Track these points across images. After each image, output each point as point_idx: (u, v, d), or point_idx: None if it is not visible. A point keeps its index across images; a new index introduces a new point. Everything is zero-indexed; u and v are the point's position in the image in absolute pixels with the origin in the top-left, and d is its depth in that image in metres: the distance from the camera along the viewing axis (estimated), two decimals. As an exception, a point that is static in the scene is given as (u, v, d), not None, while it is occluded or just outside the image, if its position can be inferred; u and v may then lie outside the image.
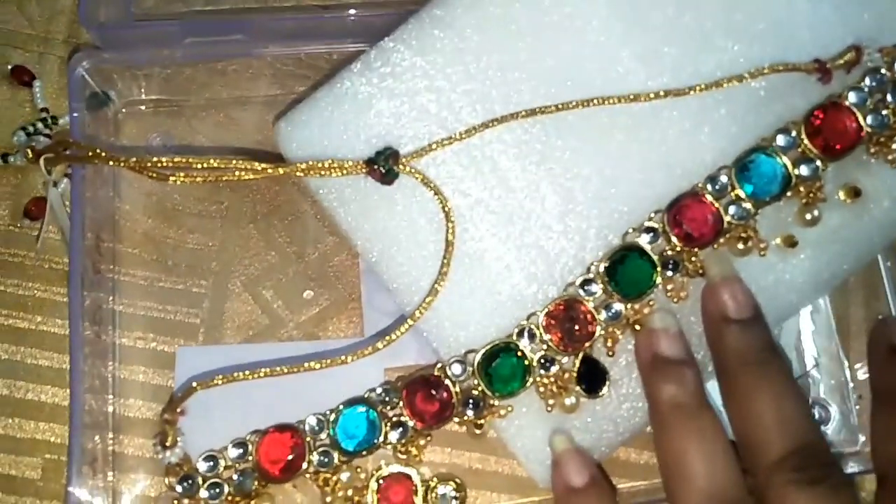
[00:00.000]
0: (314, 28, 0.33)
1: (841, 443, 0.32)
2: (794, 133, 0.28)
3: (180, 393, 0.26)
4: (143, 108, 0.34)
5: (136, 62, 0.32)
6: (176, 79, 0.34)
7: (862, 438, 0.32)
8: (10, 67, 0.34)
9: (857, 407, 0.33)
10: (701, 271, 0.28)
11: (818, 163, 0.28)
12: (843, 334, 0.33)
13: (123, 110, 0.33)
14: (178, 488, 0.27)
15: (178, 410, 0.27)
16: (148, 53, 0.32)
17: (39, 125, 0.32)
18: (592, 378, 0.28)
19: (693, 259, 0.28)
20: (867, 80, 0.28)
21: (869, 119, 0.28)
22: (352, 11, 0.32)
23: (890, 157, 0.28)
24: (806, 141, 0.28)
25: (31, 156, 0.28)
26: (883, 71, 0.28)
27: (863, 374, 0.33)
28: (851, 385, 0.33)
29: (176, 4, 0.35)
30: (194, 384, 0.26)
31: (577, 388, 0.28)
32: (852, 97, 0.28)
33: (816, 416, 0.33)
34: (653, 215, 0.28)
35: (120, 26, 0.32)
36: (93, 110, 0.32)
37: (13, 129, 0.32)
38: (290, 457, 0.27)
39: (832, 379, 0.33)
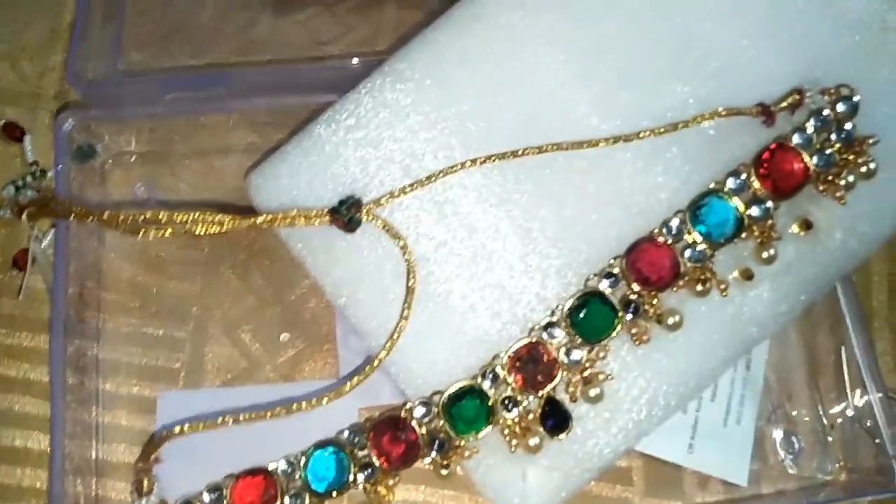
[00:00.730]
0: (290, 81, 0.34)
1: (814, 472, 0.33)
2: (744, 175, 0.28)
3: (152, 442, 0.27)
4: (128, 159, 0.35)
5: (122, 117, 0.34)
6: (160, 130, 0.35)
7: (835, 467, 0.33)
8: (1, 123, 0.36)
9: (830, 438, 0.33)
10: (660, 315, 0.29)
11: (769, 203, 0.28)
12: (811, 364, 0.33)
13: (109, 161, 0.35)
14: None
15: (153, 458, 0.28)
16: (133, 108, 0.34)
17: (28, 179, 0.34)
18: (556, 418, 0.29)
19: (653, 303, 0.29)
20: (811, 121, 0.29)
21: (815, 158, 0.28)
22: (326, 65, 0.33)
23: (838, 194, 0.29)
24: (756, 183, 0.28)
25: (15, 211, 0.29)
26: (826, 111, 0.28)
27: (836, 405, 0.33)
28: (822, 415, 0.33)
29: (160, 59, 0.37)
30: (164, 433, 0.27)
31: (541, 428, 0.29)
32: (797, 138, 0.28)
33: (793, 446, 0.33)
34: (612, 261, 0.29)
35: (105, 84, 0.34)
36: (80, 162, 0.34)
37: (3, 184, 0.34)
38: (262, 500, 0.28)
39: (804, 409, 0.34)
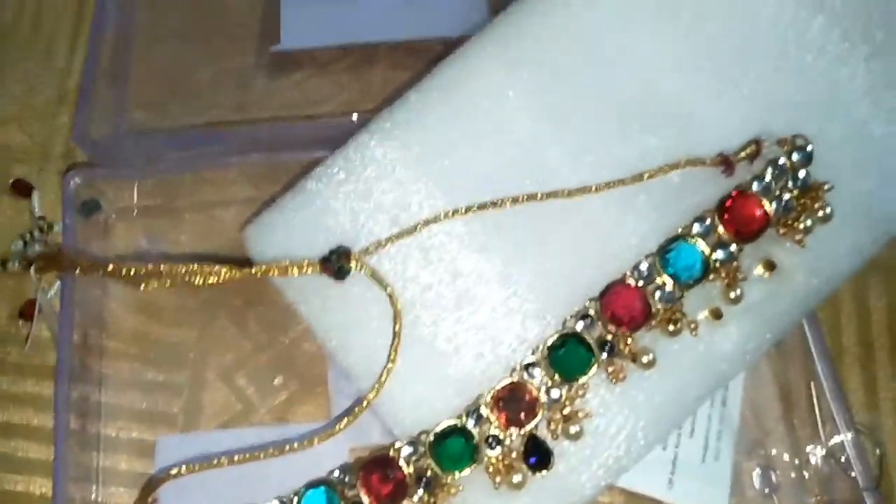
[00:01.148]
0: (285, 138, 0.37)
1: (794, 505, 0.34)
2: (708, 220, 0.30)
3: (150, 484, 0.28)
4: (131, 213, 0.37)
5: (125, 175, 0.36)
6: (161, 186, 0.37)
7: (812, 501, 0.34)
8: (11, 181, 0.38)
9: (806, 473, 0.34)
10: (635, 354, 0.30)
11: (733, 247, 0.30)
12: (785, 401, 0.35)
13: (113, 216, 0.37)
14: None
15: (150, 500, 0.29)
16: (136, 166, 0.36)
17: (36, 233, 0.36)
18: (538, 455, 0.30)
19: (628, 342, 0.30)
20: (769, 170, 0.31)
21: (774, 204, 0.30)
22: (319, 123, 0.36)
23: (797, 238, 0.31)
24: (720, 228, 0.30)
25: (23, 264, 0.31)
26: (782, 160, 0.31)
27: (811, 441, 0.34)
28: (798, 450, 0.34)
29: (162, 118, 0.39)
30: (161, 475, 0.28)
31: (524, 465, 0.30)
32: (756, 186, 0.30)
33: (771, 481, 0.34)
34: (588, 303, 0.31)
35: (110, 144, 0.36)
36: (85, 217, 0.36)
37: (12, 238, 0.36)
38: (256, 543, 0.29)
39: (780, 445, 0.35)
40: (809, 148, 0.31)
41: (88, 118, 0.36)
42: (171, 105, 0.40)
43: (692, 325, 0.30)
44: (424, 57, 0.38)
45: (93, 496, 0.32)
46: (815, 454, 0.33)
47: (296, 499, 0.30)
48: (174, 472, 0.28)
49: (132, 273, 0.29)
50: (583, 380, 0.30)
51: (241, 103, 0.40)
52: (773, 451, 0.34)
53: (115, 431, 0.33)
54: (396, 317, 0.30)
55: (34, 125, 0.39)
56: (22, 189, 0.38)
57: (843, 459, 0.32)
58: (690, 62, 0.32)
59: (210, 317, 0.35)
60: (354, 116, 0.36)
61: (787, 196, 0.30)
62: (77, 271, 0.29)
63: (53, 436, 0.31)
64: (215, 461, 0.29)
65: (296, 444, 0.29)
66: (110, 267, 0.29)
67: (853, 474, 0.32)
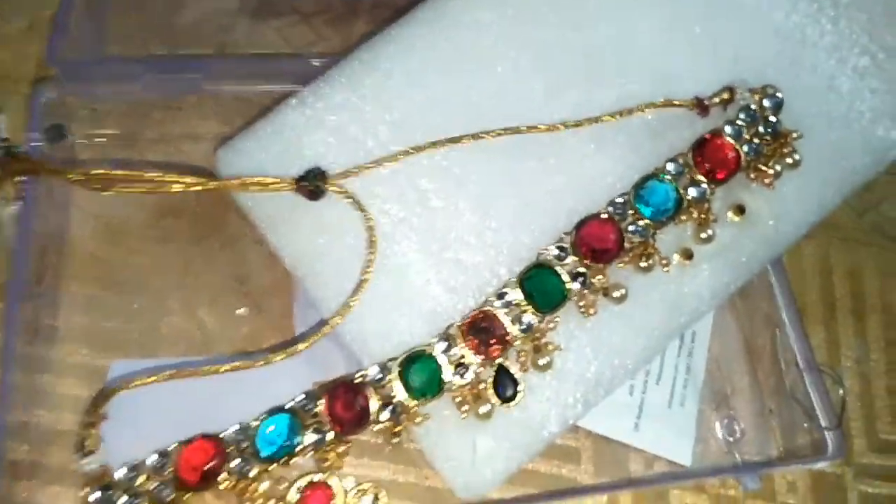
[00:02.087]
0: (262, 71, 0.36)
1: (755, 455, 0.34)
2: (681, 161, 0.31)
3: (101, 394, 0.27)
4: (99, 140, 0.36)
5: (97, 95, 0.35)
6: (132, 115, 0.36)
7: (778, 450, 0.34)
8: (-26, 102, 0.37)
9: (771, 423, 0.34)
10: (607, 288, 0.30)
11: (705, 186, 0.31)
12: (750, 353, 0.35)
13: (81, 142, 0.36)
14: (93, 497, 0.27)
15: (100, 413, 0.27)
16: (108, 88, 0.35)
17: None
18: (506, 385, 0.30)
19: (600, 276, 0.30)
20: (741, 115, 0.31)
21: (745, 148, 0.31)
22: (299, 60, 0.35)
23: (766, 181, 0.31)
24: (693, 168, 0.31)
25: (-18, 172, 0.30)
26: (753, 107, 0.31)
27: (775, 390, 0.35)
28: (762, 400, 0.35)
29: (139, 52, 0.39)
30: (115, 385, 0.27)
31: (492, 396, 0.29)
32: (729, 130, 0.31)
33: (734, 431, 0.34)
34: (563, 236, 0.31)
35: (82, 62, 0.35)
36: (51, 141, 0.35)
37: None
38: (208, 465, 0.28)
39: (745, 395, 0.35)
40: (780, 95, 0.32)
41: (63, 43, 0.35)
42: (149, 42, 0.39)
43: (664, 262, 0.31)
44: (405, 13, 0.38)
45: (37, 419, 0.30)
46: (779, 403, 0.34)
47: (256, 424, 0.29)
48: (132, 381, 0.27)
49: (99, 177, 0.28)
50: (554, 312, 0.30)
51: (221, 44, 0.40)
52: (737, 402, 0.35)
53: (65, 355, 0.32)
54: (371, 238, 0.30)
55: (2, 52, 0.38)
56: (-15, 110, 0.36)
57: (805, 405, 0.32)
58: (668, 15, 0.33)
59: (173, 245, 0.34)
60: (331, 59, 0.35)
61: (757, 141, 0.31)
62: (40, 173, 0.27)
63: (2, 355, 0.30)
64: (172, 374, 0.28)
65: (258, 362, 0.28)
66: (77, 171, 0.28)
67: (813, 417, 0.32)
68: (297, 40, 0.41)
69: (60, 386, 0.32)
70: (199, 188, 0.28)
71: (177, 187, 0.28)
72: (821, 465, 0.30)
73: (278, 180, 0.30)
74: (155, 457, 0.28)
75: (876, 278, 0.38)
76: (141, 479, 0.27)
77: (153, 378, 0.28)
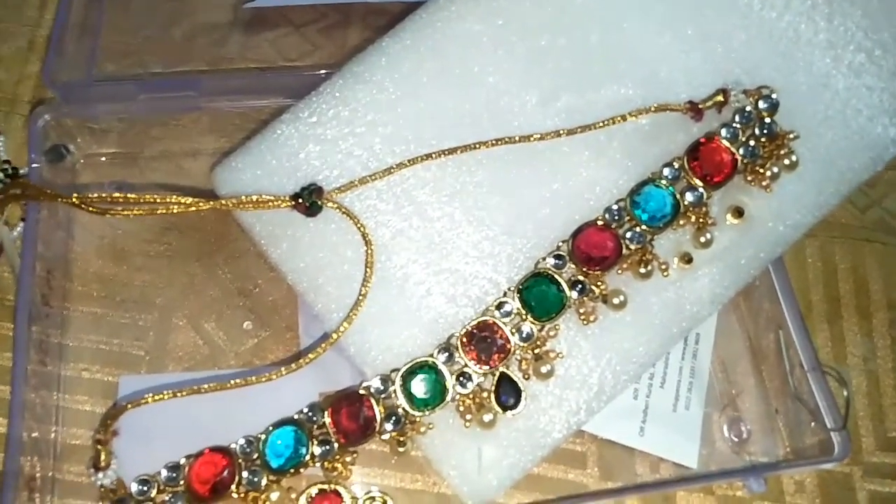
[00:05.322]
0: (257, 86, 0.36)
1: (762, 456, 0.34)
2: (677, 166, 0.31)
3: (112, 411, 0.28)
4: (99, 159, 0.37)
5: (95, 116, 0.35)
6: (131, 133, 0.37)
7: (784, 450, 0.34)
8: (-24, 126, 0.37)
9: (777, 423, 0.34)
10: (606, 295, 0.30)
11: (702, 190, 0.31)
12: (754, 353, 0.35)
13: (81, 161, 0.36)
14: (110, 511, 0.28)
15: (111, 430, 0.28)
16: (106, 107, 0.35)
17: (0, 176, 0.35)
18: (509, 393, 0.30)
19: (599, 283, 0.31)
20: (736, 118, 0.31)
21: (741, 151, 0.31)
22: (294, 73, 0.36)
23: (764, 183, 0.31)
24: (689, 173, 0.31)
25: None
26: (748, 109, 0.31)
27: (780, 390, 0.35)
28: (767, 400, 0.35)
29: (134, 69, 0.39)
30: (125, 403, 0.28)
31: (495, 404, 0.30)
32: (724, 133, 0.31)
33: (741, 432, 0.35)
34: (560, 244, 0.31)
35: (80, 84, 0.35)
36: (52, 162, 0.35)
37: (-24, 183, 0.35)
38: (219, 477, 0.28)
39: (751, 396, 0.35)
40: (774, 96, 0.32)
41: (59, 63, 0.35)
42: (143, 58, 0.40)
43: (663, 267, 0.31)
44: (400, 20, 0.38)
45: (52, 435, 0.31)
46: (784, 404, 0.34)
47: (263, 436, 0.29)
48: (138, 401, 0.27)
49: (99, 201, 0.28)
50: (554, 320, 0.30)
51: (215, 58, 0.40)
52: (743, 403, 0.35)
53: (76, 372, 0.33)
54: (369, 252, 0.30)
55: (2, 71, 0.39)
56: (-13, 133, 0.37)
57: (811, 406, 0.32)
58: (659, 17, 0.33)
59: (178, 262, 0.35)
60: (325, 72, 0.36)
61: (753, 143, 0.31)
62: (42, 200, 0.28)
63: (12, 373, 0.30)
64: (180, 391, 0.28)
65: (263, 376, 0.29)
66: (76, 196, 0.28)
67: (819, 418, 0.32)
68: (290, 51, 0.41)
69: (73, 402, 0.32)
70: (195, 209, 0.29)
71: (174, 209, 0.28)
72: (827, 467, 0.30)
73: (274, 198, 0.30)
74: (167, 471, 0.28)
75: (880, 275, 0.38)
76: (153, 492, 0.28)
77: (161, 395, 0.28)
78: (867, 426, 0.35)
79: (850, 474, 0.34)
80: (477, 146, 0.31)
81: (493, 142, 0.31)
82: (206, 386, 0.28)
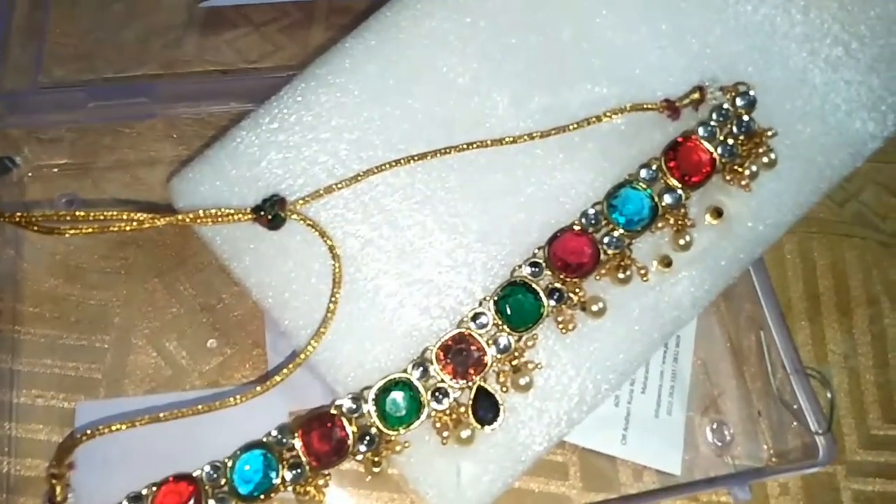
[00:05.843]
0: (215, 90, 0.35)
1: (746, 459, 0.33)
2: (654, 167, 0.30)
3: (66, 444, 0.26)
4: (49, 171, 0.35)
5: (43, 126, 0.33)
6: (82, 142, 0.35)
7: (768, 453, 0.33)
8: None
9: (760, 425, 0.34)
10: (584, 302, 0.29)
11: (680, 192, 0.30)
12: (736, 356, 0.34)
13: (30, 174, 0.34)
14: (68, 547, 0.26)
15: (67, 464, 0.26)
16: (54, 117, 0.33)
17: (-57, 192, 0.33)
18: (486, 408, 0.29)
19: (577, 291, 0.30)
20: (714, 116, 0.30)
21: (720, 149, 0.30)
22: (252, 76, 0.34)
23: (743, 182, 0.30)
24: (666, 174, 0.30)
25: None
26: (726, 106, 0.30)
27: (763, 393, 0.34)
28: (750, 403, 0.34)
29: (84, 75, 0.37)
30: (80, 435, 0.26)
31: (472, 419, 0.29)
32: (702, 131, 0.30)
33: (724, 436, 0.34)
34: (536, 251, 0.30)
35: (25, 93, 0.33)
36: (-2, 176, 0.33)
37: (-85, 198, 0.33)
38: (185, 506, 0.27)
39: (733, 399, 0.34)
40: (752, 93, 0.31)
41: (1, 69, 0.33)
42: (94, 62, 0.38)
43: (642, 271, 0.30)
44: (364, 18, 0.37)
45: (5, 468, 0.29)
46: (767, 406, 0.33)
47: (230, 462, 0.28)
48: (93, 432, 0.26)
49: (45, 219, 0.26)
50: (532, 329, 0.29)
51: (171, 61, 0.38)
52: (726, 406, 0.34)
53: (30, 399, 0.31)
54: (336, 266, 0.29)
55: (-59, 82, 0.36)
56: (-73, 146, 0.35)
57: (794, 407, 0.31)
58: (633, 12, 0.32)
59: (136, 278, 0.33)
60: (286, 74, 0.34)
61: (731, 141, 0.30)
62: (-18, 219, 0.26)
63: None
64: (139, 420, 0.26)
65: (229, 400, 0.27)
66: (19, 215, 0.26)
67: (802, 421, 0.31)
68: (251, 52, 0.39)
69: (27, 431, 0.31)
70: (149, 226, 0.27)
71: (128, 227, 0.27)
72: (812, 471, 0.30)
73: (234, 211, 0.28)
74: (127, 502, 0.27)
75: (859, 270, 0.38)
76: (115, 525, 0.27)
77: (118, 426, 0.26)
78: (850, 424, 0.35)
79: (833, 474, 0.34)
80: (447, 150, 0.30)
81: (465, 146, 0.30)
82: (165, 414, 0.27)
